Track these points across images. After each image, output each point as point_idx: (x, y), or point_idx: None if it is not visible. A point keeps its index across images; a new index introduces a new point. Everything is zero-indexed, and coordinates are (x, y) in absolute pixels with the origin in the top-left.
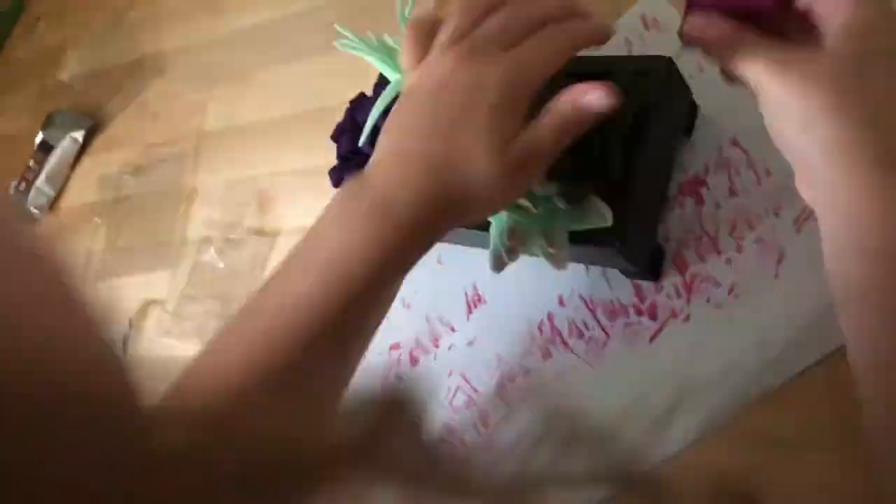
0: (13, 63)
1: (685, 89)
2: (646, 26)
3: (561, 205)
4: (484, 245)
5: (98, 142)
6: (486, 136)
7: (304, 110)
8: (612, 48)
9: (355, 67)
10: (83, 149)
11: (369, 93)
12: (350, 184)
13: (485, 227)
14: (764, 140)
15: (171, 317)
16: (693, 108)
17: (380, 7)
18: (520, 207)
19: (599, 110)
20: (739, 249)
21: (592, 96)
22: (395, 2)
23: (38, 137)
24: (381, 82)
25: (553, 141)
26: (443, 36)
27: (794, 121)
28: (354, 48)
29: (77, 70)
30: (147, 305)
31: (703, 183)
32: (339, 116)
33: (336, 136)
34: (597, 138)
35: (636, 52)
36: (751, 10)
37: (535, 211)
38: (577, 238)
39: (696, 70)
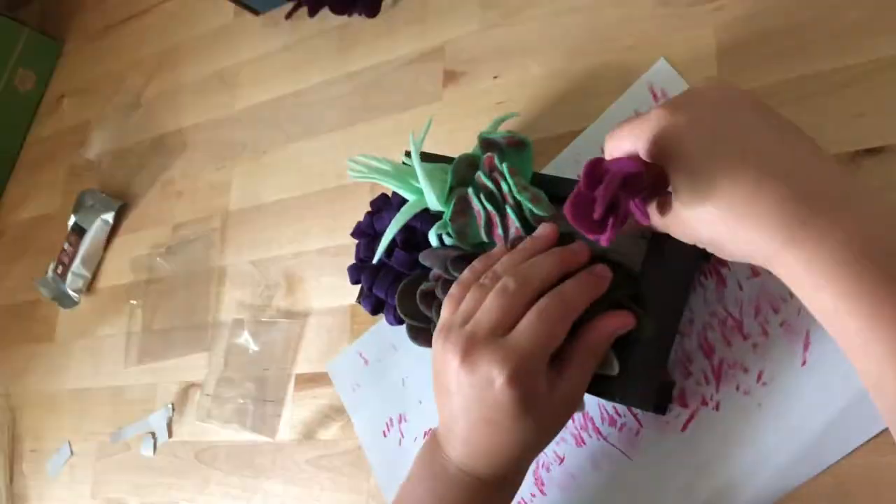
0: (41, 142)
1: None
2: (654, 97)
3: None
4: None
5: (128, 222)
6: (520, 424)
7: (324, 188)
8: (620, 119)
9: (372, 143)
10: (114, 230)
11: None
12: (428, 446)
13: None
14: None
15: (210, 399)
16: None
17: (392, 83)
18: None
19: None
20: (765, 334)
21: (615, 325)
22: (411, 83)
23: (71, 220)
24: None
25: (585, 379)
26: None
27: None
28: (369, 177)
29: (102, 148)
30: (187, 388)
31: (724, 263)
32: (357, 193)
33: (356, 234)
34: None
35: None
36: (627, 176)
37: None
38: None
39: None
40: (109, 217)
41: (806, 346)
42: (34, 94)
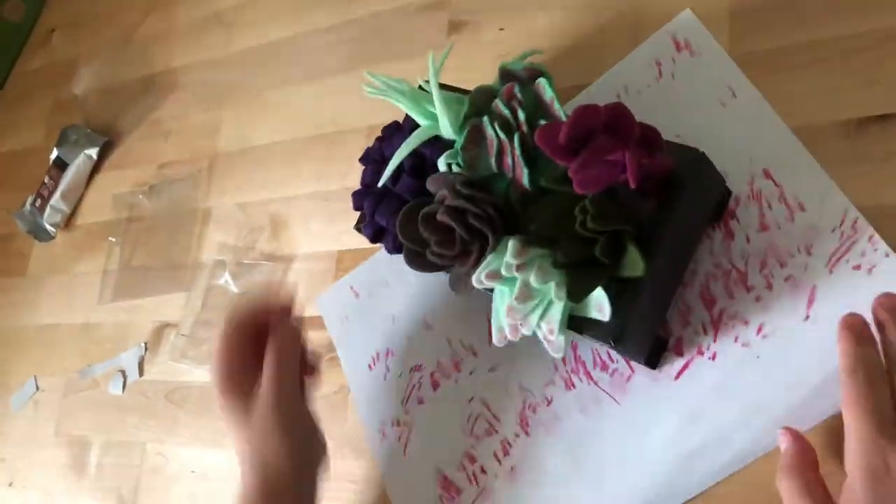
0: (27, 75)
1: (717, 180)
2: (677, 48)
3: (560, 298)
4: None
5: (112, 159)
6: None
7: (318, 133)
8: (638, 72)
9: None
10: (97, 166)
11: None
12: None
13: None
14: (798, 172)
15: (186, 340)
16: (726, 195)
17: (395, 31)
18: (514, 297)
19: None
20: (770, 287)
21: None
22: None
23: (53, 154)
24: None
25: None
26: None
27: None
28: (384, 94)
29: (90, 85)
30: (162, 328)
31: (734, 215)
32: (352, 139)
33: (364, 160)
34: (612, 236)
35: (666, 75)
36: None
37: (532, 299)
38: (574, 325)
39: (730, 96)
40: (93, 153)
41: (810, 302)
42: (23, 25)
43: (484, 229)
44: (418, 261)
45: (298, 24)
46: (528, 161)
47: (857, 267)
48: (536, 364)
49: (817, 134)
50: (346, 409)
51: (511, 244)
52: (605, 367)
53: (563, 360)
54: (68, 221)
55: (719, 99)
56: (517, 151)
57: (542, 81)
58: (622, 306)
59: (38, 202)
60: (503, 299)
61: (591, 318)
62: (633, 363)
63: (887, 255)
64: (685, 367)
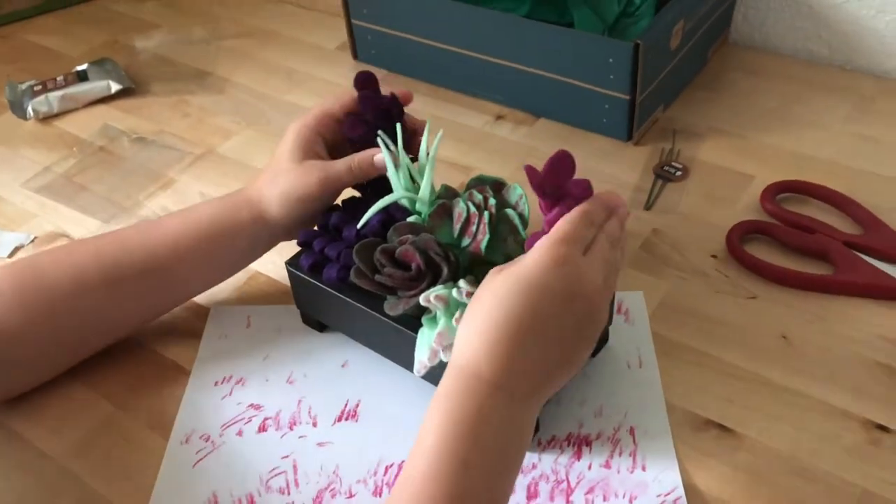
0: (104, 10)
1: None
2: (618, 310)
3: None
4: (405, 345)
5: (125, 102)
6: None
7: None
8: None
9: None
10: (108, 99)
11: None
12: (457, 382)
13: (414, 328)
14: (655, 441)
15: None
16: (605, 337)
17: None
18: (454, 318)
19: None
20: None
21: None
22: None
23: (83, 66)
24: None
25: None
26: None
27: None
28: (390, 152)
29: (151, 48)
30: (57, 236)
31: (589, 444)
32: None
33: (320, 227)
34: None
35: None
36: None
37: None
38: None
39: (637, 363)
40: (115, 87)
41: None
42: None
43: (441, 264)
44: (364, 280)
45: None
46: (495, 237)
47: None
48: (361, 460)
49: (681, 418)
50: (175, 385)
51: (467, 277)
52: None
53: (386, 469)
54: (48, 118)
55: (628, 361)
56: (485, 220)
57: (513, 185)
58: None
59: (38, 88)
60: (432, 330)
61: None
62: None
63: None
64: None
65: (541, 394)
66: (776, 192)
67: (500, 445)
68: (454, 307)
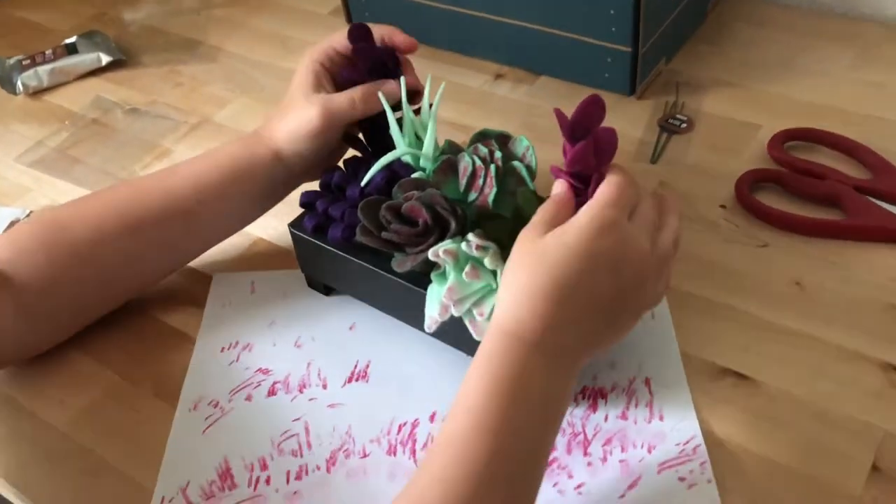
0: None
1: None
2: None
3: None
4: (414, 303)
5: (116, 74)
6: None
7: None
8: None
9: None
10: (99, 71)
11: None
12: (500, 343)
13: (423, 285)
14: (671, 391)
15: None
16: None
17: None
18: (464, 272)
19: None
20: (604, 460)
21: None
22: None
23: (72, 39)
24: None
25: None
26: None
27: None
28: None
29: (141, 19)
30: None
31: (605, 396)
32: None
33: (322, 186)
34: None
35: None
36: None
37: (478, 280)
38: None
39: (649, 315)
40: (105, 59)
41: (631, 487)
42: None
43: (449, 218)
44: (370, 238)
45: None
46: (502, 190)
47: (682, 479)
48: (374, 420)
49: (697, 367)
50: (179, 352)
51: (476, 231)
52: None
53: (399, 428)
54: (38, 93)
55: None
56: (492, 173)
57: (519, 136)
58: None
59: (27, 62)
60: (441, 285)
61: None
62: None
63: (709, 482)
64: None
65: (583, 358)
66: (784, 140)
67: (542, 405)
68: (463, 261)
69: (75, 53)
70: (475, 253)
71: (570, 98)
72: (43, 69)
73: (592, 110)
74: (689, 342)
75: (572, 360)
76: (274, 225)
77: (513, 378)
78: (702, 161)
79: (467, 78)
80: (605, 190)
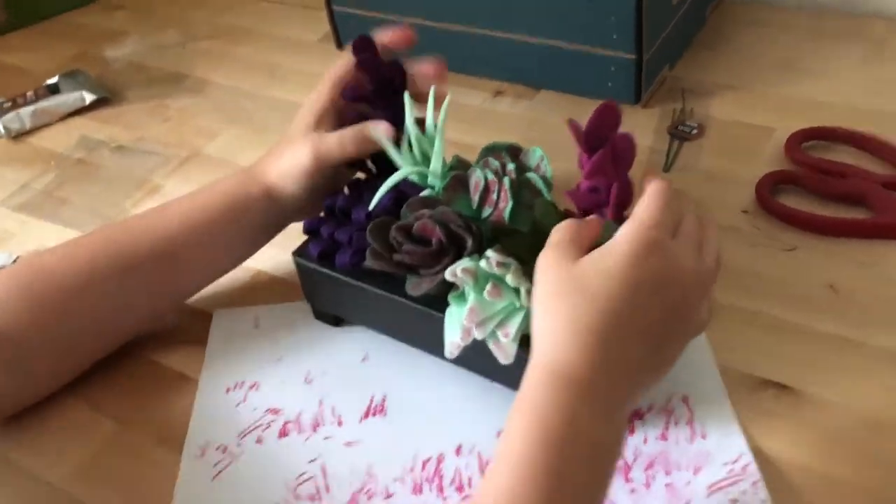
0: (72, 23)
1: None
2: None
3: (527, 303)
4: (432, 329)
5: (100, 113)
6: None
7: None
8: None
9: None
10: (83, 111)
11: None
12: (544, 382)
13: (440, 309)
14: (711, 407)
15: None
16: None
17: None
18: (485, 291)
19: None
20: (647, 486)
21: None
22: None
23: (53, 79)
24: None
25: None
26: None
27: None
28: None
29: (124, 56)
30: None
31: (641, 417)
32: None
33: (327, 210)
34: None
35: None
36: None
37: (501, 299)
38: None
39: None
40: (88, 98)
41: None
42: None
43: (465, 235)
44: (381, 261)
45: None
46: (518, 203)
47: (734, 502)
48: (396, 457)
49: (735, 379)
50: (181, 395)
51: (494, 247)
52: (460, 489)
53: (423, 464)
54: (21, 135)
55: None
56: (506, 186)
57: (531, 148)
58: None
59: (8, 105)
60: (461, 307)
61: None
62: None
63: (763, 502)
64: None
65: (635, 394)
66: (801, 140)
67: (595, 454)
68: (483, 280)
69: (57, 93)
70: (496, 270)
71: (573, 111)
72: (25, 111)
73: (608, 117)
74: (723, 353)
75: (624, 400)
76: (274, 255)
77: (560, 423)
78: (716, 167)
79: (466, 96)
80: (647, 207)
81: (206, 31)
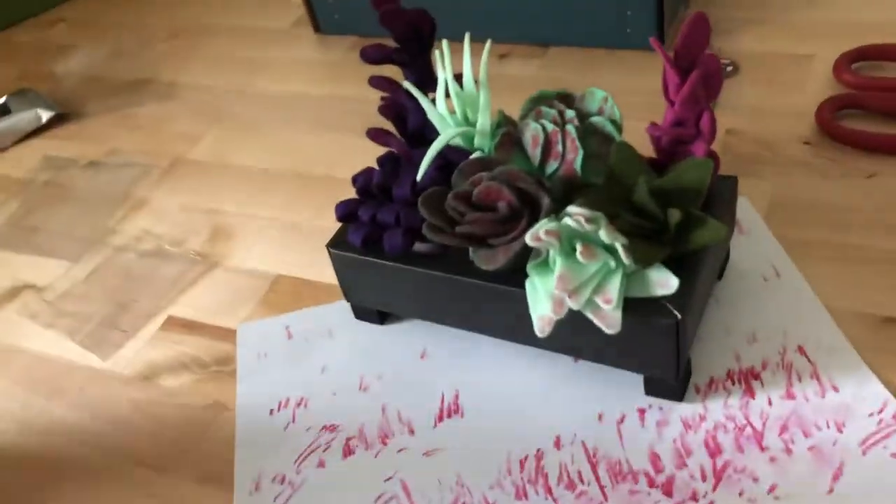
0: (8, 42)
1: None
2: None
3: (627, 261)
4: (508, 309)
5: (61, 130)
6: None
7: (307, 172)
8: None
9: (370, 155)
10: (41, 131)
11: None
12: None
13: (518, 283)
14: (833, 355)
15: (46, 305)
16: (727, 255)
17: None
18: (576, 251)
19: None
20: (788, 452)
21: None
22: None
23: (1, 100)
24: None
25: None
26: None
27: None
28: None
29: (74, 69)
30: (20, 289)
31: (758, 377)
32: (340, 188)
33: (360, 191)
34: (675, 209)
35: None
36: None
37: (595, 259)
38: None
39: (773, 273)
40: (45, 115)
41: (836, 477)
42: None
43: (538, 193)
44: (443, 235)
45: (320, 87)
46: (588, 150)
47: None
48: (486, 461)
49: (849, 322)
50: (211, 426)
51: (576, 201)
52: (571, 486)
53: (521, 465)
54: None
55: (762, 275)
56: (572, 134)
57: (588, 90)
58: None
59: None
60: (546, 276)
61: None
62: (607, 488)
63: None
64: None
65: None
66: (850, 61)
67: None
68: (568, 242)
69: (8, 114)
70: (586, 227)
71: (592, 64)
72: None
73: (699, 32)
74: (828, 294)
75: None
76: (293, 259)
77: None
78: (762, 102)
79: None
80: None
81: (164, 33)
